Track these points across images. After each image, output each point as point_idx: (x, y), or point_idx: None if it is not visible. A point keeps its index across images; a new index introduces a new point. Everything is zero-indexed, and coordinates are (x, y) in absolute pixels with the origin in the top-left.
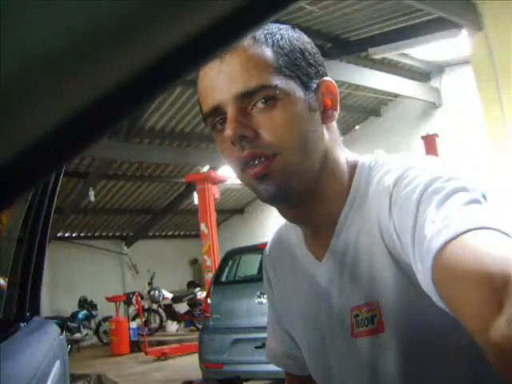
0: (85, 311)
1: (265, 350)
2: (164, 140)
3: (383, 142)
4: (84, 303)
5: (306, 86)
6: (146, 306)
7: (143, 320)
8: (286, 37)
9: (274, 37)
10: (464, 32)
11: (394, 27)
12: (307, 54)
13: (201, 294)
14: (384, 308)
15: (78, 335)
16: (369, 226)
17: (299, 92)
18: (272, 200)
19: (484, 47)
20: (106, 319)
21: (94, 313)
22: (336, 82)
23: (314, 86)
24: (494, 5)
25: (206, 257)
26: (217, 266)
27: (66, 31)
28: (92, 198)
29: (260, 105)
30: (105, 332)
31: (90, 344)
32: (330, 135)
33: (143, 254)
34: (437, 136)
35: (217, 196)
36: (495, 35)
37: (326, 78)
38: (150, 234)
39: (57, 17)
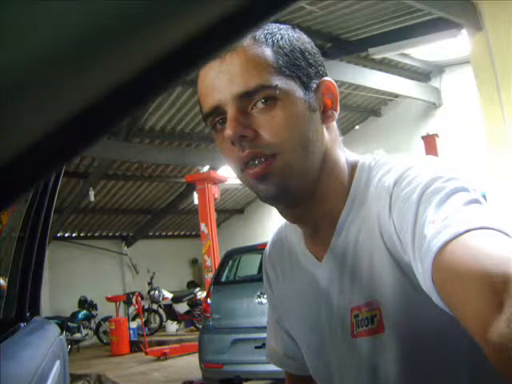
0: (85, 311)
1: (265, 350)
2: (164, 140)
3: (383, 142)
4: (84, 303)
5: (306, 86)
6: (146, 306)
7: (143, 320)
8: (286, 37)
9: (273, 37)
10: (464, 32)
11: (393, 27)
12: (307, 53)
13: (201, 294)
14: (384, 308)
15: (77, 335)
16: (369, 226)
17: (299, 92)
18: (272, 200)
19: (484, 47)
20: (105, 319)
21: (93, 313)
22: (336, 82)
23: (314, 85)
24: (494, 5)
25: (206, 257)
26: (217, 265)
27: (66, 31)
28: (92, 198)
29: (260, 105)
30: (105, 332)
31: (90, 344)
32: (330, 135)
33: (143, 254)
34: (437, 136)
35: (217, 196)
36: (495, 35)
37: (325, 78)
38: (150, 233)
39: (57, 17)
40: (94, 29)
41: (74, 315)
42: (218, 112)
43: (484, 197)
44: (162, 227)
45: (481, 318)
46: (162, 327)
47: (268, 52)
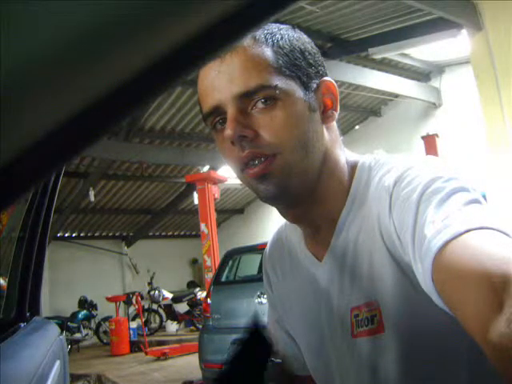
0: (85, 311)
1: None
2: (164, 140)
3: (383, 142)
4: (84, 303)
5: (306, 86)
6: (146, 306)
7: (143, 320)
8: (286, 37)
9: (273, 37)
10: (464, 32)
11: (393, 27)
12: (307, 53)
13: (201, 294)
14: (384, 308)
15: (78, 335)
16: (369, 226)
17: (299, 92)
18: (272, 200)
19: (484, 47)
20: (105, 319)
21: (93, 313)
22: (336, 82)
23: (314, 85)
24: (494, 5)
25: (206, 257)
26: (217, 265)
27: (66, 31)
28: (92, 198)
29: (260, 105)
30: (105, 332)
31: (90, 344)
32: (330, 135)
33: (143, 254)
34: (437, 136)
35: (217, 196)
36: (495, 35)
37: (326, 78)
38: (150, 233)
39: (57, 17)
40: (94, 29)
41: (74, 315)
42: (217, 112)
43: (484, 197)
44: (161, 227)
45: (481, 318)
46: (162, 327)
47: (268, 52)
